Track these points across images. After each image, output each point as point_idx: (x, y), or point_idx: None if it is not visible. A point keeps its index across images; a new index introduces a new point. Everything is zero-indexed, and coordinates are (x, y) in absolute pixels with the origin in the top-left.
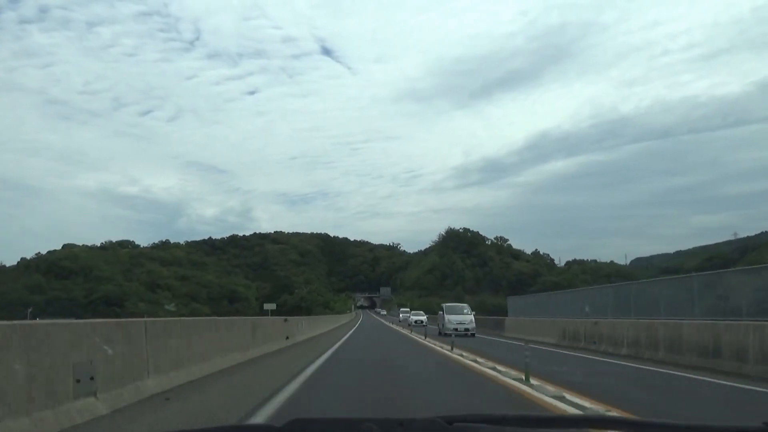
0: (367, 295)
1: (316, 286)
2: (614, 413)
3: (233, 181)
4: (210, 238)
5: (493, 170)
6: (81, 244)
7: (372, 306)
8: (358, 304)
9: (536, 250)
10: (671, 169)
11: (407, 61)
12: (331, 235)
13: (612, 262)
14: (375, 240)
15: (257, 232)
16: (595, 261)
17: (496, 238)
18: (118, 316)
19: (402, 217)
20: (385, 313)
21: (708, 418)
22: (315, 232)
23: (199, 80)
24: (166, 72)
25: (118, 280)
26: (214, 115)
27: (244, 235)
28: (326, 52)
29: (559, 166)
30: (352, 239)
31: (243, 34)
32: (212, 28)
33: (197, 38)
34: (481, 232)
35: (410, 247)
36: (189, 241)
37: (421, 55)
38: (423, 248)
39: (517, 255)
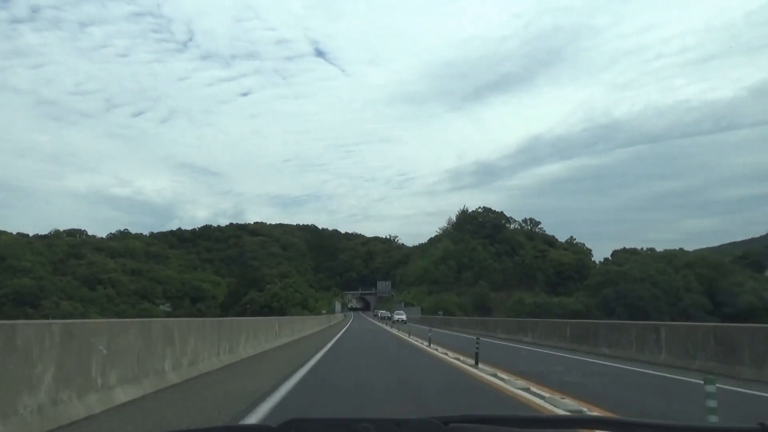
0: (360, 293)
1: (293, 280)
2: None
3: (225, 183)
4: (179, 229)
5: (485, 173)
6: (15, 232)
7: (366, 307)
8: (349, 305)
9: (571, 237)
10: (663, 174)
11: (401, 64)
12: (320, 227)
13: (681, 249)
14: (369, 234)
15: (234, 222)
16: (652, 249)
17: (524, 221)
18: (29, 317)
19: (395, 220)
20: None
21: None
22: (301, 224)
23: (192, 81)
24: (159, 73)
25: (40, 273)
26: (207, 116)
27: (218, 226)
28: (320, 54)
29: (551, 169)
30: (343, 231)
31: (236, 36)
32: (205, 29)
33: (190, 39)
34: (505, 212)
35: (408, 242)
36: (153, 232)
37: (415, 57)
38: (426, 240)
39: (552, 242)
